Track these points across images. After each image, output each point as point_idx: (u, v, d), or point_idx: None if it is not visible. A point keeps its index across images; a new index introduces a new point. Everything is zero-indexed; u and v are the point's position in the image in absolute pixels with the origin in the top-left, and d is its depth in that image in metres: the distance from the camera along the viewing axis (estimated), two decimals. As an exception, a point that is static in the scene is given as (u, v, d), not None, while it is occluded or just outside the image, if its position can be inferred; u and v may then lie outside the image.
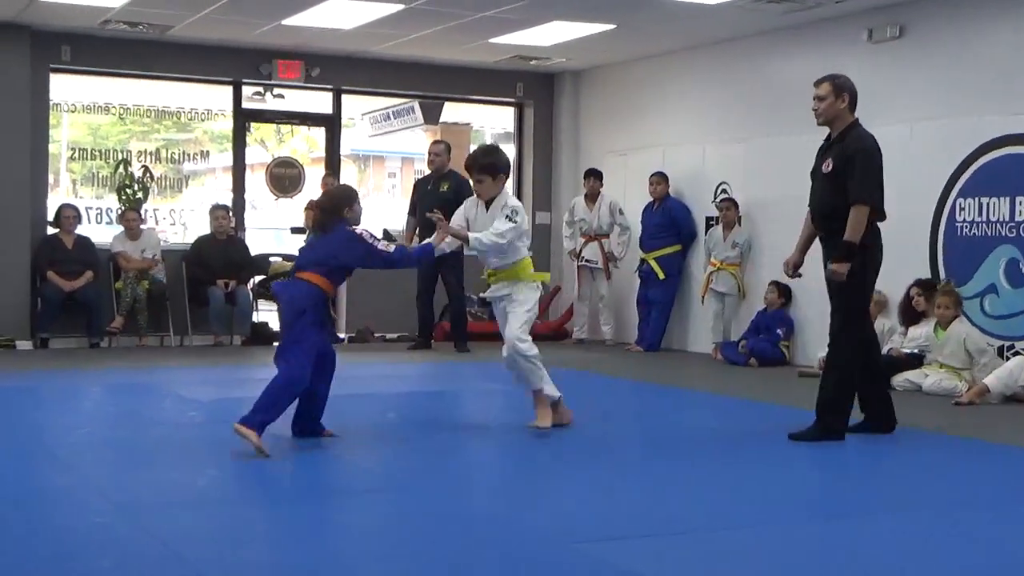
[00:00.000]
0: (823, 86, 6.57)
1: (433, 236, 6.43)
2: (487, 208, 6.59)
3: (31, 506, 4.74)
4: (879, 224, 6.52)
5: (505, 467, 6.03)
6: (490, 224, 6.46)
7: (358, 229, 6.12)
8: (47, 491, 5.06)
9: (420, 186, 11.74)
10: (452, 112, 14.85)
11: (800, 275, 6.93)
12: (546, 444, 6.35)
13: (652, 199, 11.94)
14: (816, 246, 6.77)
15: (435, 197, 11.16)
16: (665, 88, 12.48)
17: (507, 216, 6.44)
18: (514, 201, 6.62)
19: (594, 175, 12.36)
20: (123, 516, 4.54)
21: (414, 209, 11.54)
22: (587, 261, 12.36)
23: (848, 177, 6.40)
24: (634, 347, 11.88)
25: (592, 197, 12.33)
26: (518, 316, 6.47)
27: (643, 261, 11.94)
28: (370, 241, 6.05)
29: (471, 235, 6.42)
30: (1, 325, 11.22)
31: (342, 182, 12.02)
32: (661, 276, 11.77)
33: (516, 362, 6.47)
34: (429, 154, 11.56)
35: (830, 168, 6.50)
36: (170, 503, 4.80)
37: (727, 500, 5.06)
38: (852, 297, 6.50)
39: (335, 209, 6.15)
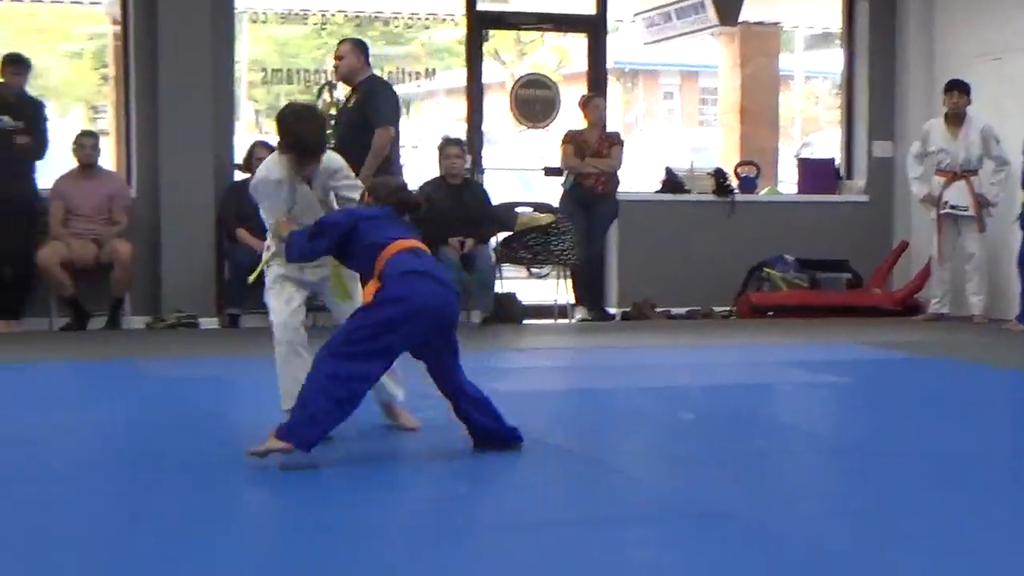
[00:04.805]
0: None
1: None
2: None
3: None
4: None
5: (865, 492, 5.72)
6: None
7: None
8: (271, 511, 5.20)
9: None
10: (756, 9, 14.70)
11: None
12: (906, 464, 6.18)
13: (1041, 120, 11.61)
14: None
15: (342, 117, 10.92)
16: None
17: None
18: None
19: (958, 88, 12.15)
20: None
21: None
22: (952, 208, 12.07)
23: None
24: (1016, 325, 11.63)
25: (956, 119, 12.11)
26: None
27: (1028, 206, 11.63)
28: None
29: None
30: (179, 298, 11.62)
31: None
32: (1054, 226, 11.42)
33: None
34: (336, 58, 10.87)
35: None
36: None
37: None
38: None
39: None
